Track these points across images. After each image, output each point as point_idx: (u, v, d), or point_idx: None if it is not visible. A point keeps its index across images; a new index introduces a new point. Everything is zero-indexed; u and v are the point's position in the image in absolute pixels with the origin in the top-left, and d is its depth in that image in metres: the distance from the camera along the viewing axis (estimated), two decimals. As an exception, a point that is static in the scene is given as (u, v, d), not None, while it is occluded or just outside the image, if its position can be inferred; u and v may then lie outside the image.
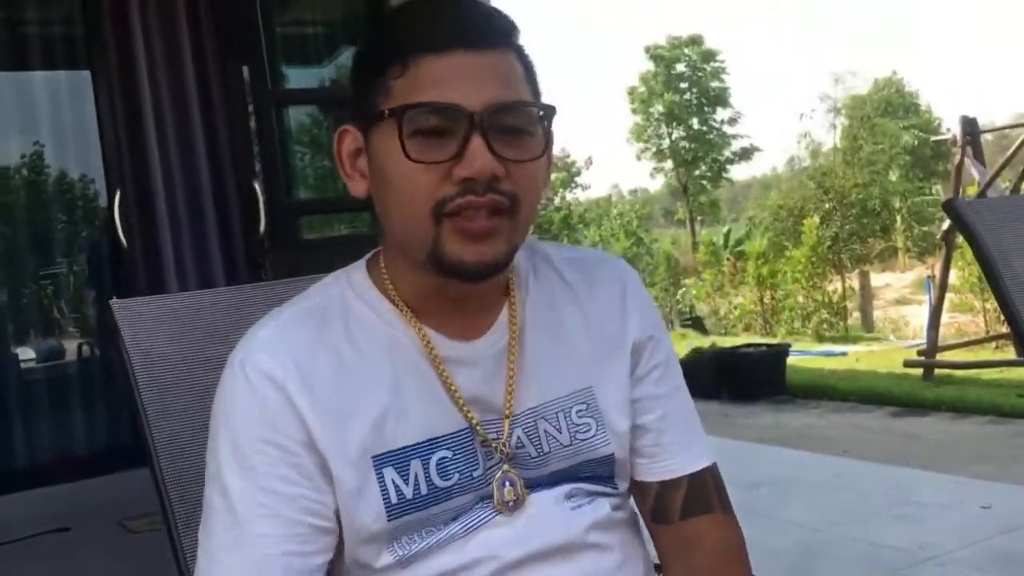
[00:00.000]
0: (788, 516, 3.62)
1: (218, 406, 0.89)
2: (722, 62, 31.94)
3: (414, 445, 0.88)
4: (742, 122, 32.46)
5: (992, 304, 9.43)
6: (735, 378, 7.08)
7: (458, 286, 0.88)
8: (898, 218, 22.38)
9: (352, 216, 4.57)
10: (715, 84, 31.83)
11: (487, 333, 0.93)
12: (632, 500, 1.02)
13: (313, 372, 0.87)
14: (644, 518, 1.01)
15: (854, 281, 14.17)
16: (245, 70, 3.91)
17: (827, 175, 21.59)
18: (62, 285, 4.99)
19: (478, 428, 0.90)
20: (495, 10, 0.90)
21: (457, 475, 0.89)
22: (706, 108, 31.68)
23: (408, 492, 0.87)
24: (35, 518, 3.44)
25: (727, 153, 31.68)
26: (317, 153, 5.05)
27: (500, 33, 0.88)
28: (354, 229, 4.62)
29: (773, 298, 12.90)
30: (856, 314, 13.38)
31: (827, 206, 18.87)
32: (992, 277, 1.47)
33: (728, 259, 16.77)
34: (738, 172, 33.72)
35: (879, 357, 8.86)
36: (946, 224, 7.03)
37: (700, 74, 31.71)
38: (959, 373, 7.03)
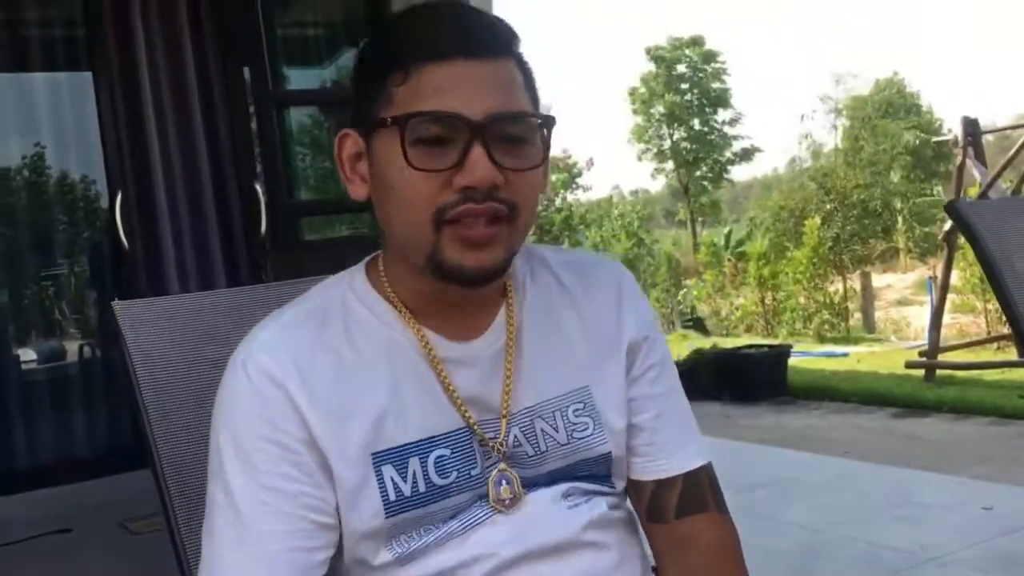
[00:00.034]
0: (789, 517, 3.62)
1: (219, 406, 0.90)
2: (723, 63, 31.96)
3: (412, 443, 0.89)
4: (743, 123, 32.48)
5: (994, 305, 9.43)
6: (736, 379, 7.08)
7: (457, 290, 0.90)
8: (899, 219, 22.36)
9: (353, 217, 4.57)
10: (716, 85, 31.83)
11: (485, 334, 0.94)
12: (629, 500, 1.03)
13: (313, 372, 0.88)
14: (640, 517, 1.02)
15: (855, 282, 14.16)
16: (246, 71, 3.91)
17: (828, 176, 21.59)
18: (63, 286, 5.00)
19: (476, 427, 0.92)
20: (496, 18, 0.91)
21: (455, 473, 0.90)
22: (707, 109, 31.68)
23: (406, 490, 0.88)
24: (36, 519, 3.44)
25: (728, 154, 31.69)
26: (318, 154, 5.05)
27: (501, 42, 0.89)
28: (355, 230, 4.62)
29: (774, 299, 12.89)
30: (857, 315, 13.37)
31: (828, 207, 18.88)
32: (994, 278, 1.47)
33: (729, 260, 16.76)
34: (739, 173, 33.73)
35: (880, 358, 8.85)
36: (948, 225, 7.03)
37: (701, 75, 31.71)
38: (961, 374, 7.02)
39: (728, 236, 18.96)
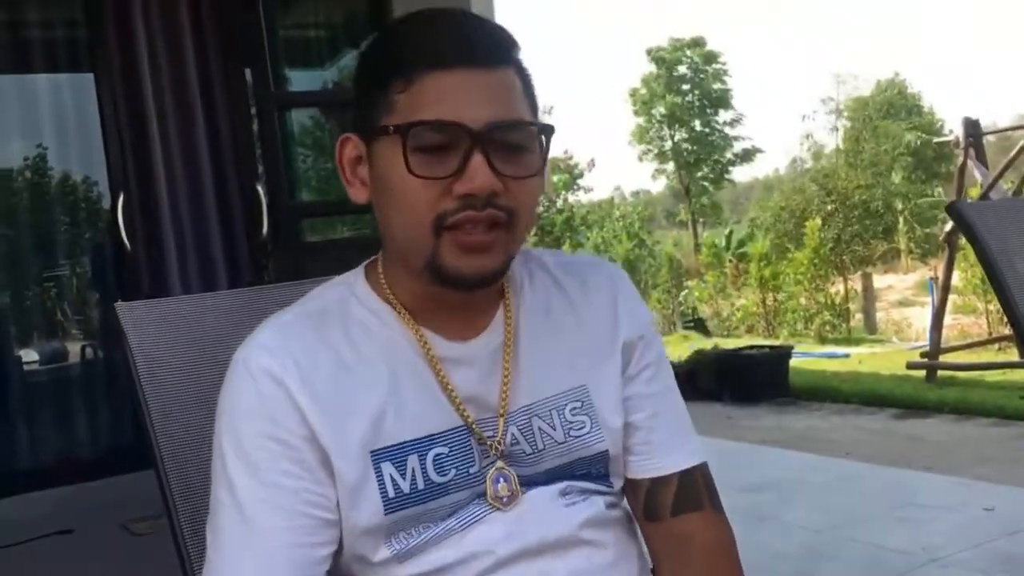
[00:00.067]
0: (791, 518, 3.62)
1: (221, 405, 0.91)
2: (724, 64, 31.98)
3: (411, 441, 0.91)
4: (744, 124, 32.47)
5: (995, 306, 9.42)
6: (738, 380, 7.08)
7: (455, 293, 0.91)
8: (900, 220, 22.35)
9: (355, 218, 4.57)
10: (717, 86, 31.84)
11: (483, 334, 0.96)
12: (626, 500, 1.04)
13: (313, 371, 0.90)
14: (636, 517, 1.02)
15: (857, 283, 14.14)
16: (248, 73, 3.92)
17: (829, 177, 21.59)
18: (65, 287, 5.00)
19: (474, 426, 0.93)
20: (497, 26, 0.93)
21: (453, 471, 0.91)
22: (708, 110, 31.70)
23: (405, 487, 0.89)
24: (38, 520, 3.45)
25: (729, 155, 31.70)
26: (320, 155, 5.06)
27: (502, 50, 0.90)
28: (357, 231, 4.62)
29: (775, 300, 12.88)
30: (859, 316, 13.36)
31: (829, 207, 18.87)
32: (995, 279, 1.47)
33: (730, 261, 16.75)
34: (740, 174, 33.75)
35: (882, 359, 8.85)
36: (949, 226, 7.03)
37: (702, 76, 31.73)
38: (962, 375, 7.02)
39: (729, 237, 18.95)
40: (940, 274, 7.96)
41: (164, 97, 3.72)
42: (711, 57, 31.74)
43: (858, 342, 11.25)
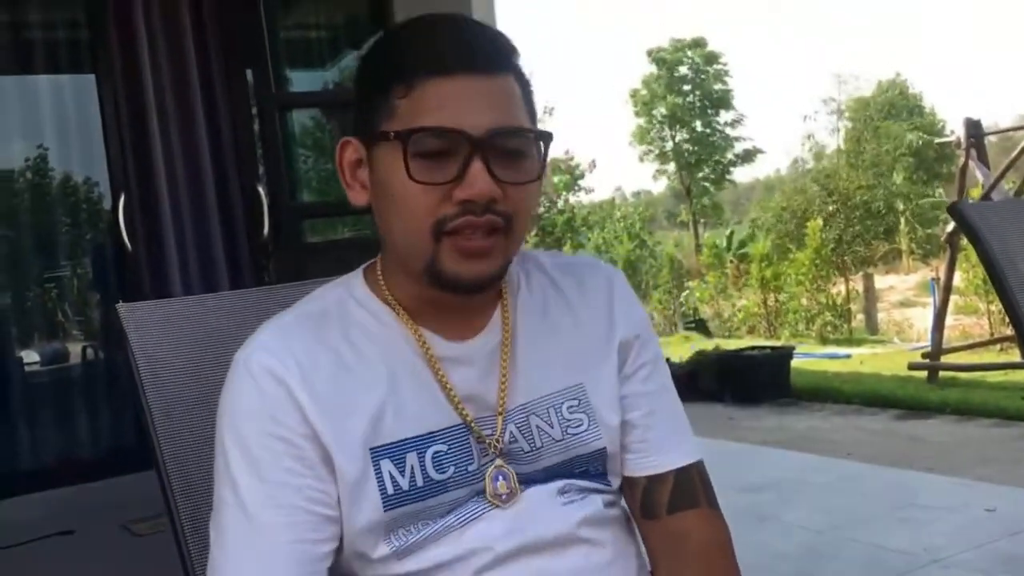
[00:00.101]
0: (792, 519, 3.62)
1: (223, 405, 0.92)
2: (724, 64, 32.00)
3: (410, 439, 0.92)
4: (745, 124, 32.48)
5: (997, 306, 9.42)
6: (739, 381, 7.07)
7: (454, 296, 0.92)
8: (902, 220, 22.34)
9: (356, 219, 4.58)
10: (718, 86, 31.85)
11: (480, 333, 0.97)
12: (624, 500, 1.05)
13: (313, 370, 0.91)
14: (633, 515, 1.03)
15: (858, 283, 14.14)
16: (249, 73, 3.92)
17: (831, 177, 21.58)
18: (66, 288, 5.00)
19: (473, 425, 0.94)
20: (497, 33, 0.93)
21: (452, 468, 0.92)
22: (709, 110, 31.70)
23: (404, 484, 0.90)
24: (39, 521, 3.45)
25: (730, 155, 31.70)
26: (321, 156, 5.06)
27: (503, 57, 0.91)
28: (358, 232, 4.63)
29: (777, 300, 12.89)
30: (860, 316, 13.35)
31: (831, 208, 18.86)
32: (997, 280, 1.47)
33: (731, 261, 16.76)
34: (741, 174, 33.77)
35: (883, 359, 8.85)
36: (950, 226, 7.03)
37: (703, 76, 31.74)
38: (964, 375, 7.02)
39: (730, 238, 18.95)
40: (942, 275, 7.96)
41: (165, 97, 3.72)
42: (712, 58, 31.75)
43: (859, 343, 11.25)
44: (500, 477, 0.94)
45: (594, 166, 26.35)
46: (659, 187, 38.67)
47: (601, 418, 0.98)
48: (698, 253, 21.34)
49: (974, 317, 10.56)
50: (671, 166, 32.06)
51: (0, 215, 4.82)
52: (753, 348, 8.20)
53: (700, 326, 13.87)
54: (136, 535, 3.35)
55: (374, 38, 0.96)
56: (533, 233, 19.94)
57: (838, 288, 13.22)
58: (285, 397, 0.89)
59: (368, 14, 4.46)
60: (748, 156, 31.94)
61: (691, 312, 15.02)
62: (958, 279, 8.63)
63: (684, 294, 15.77)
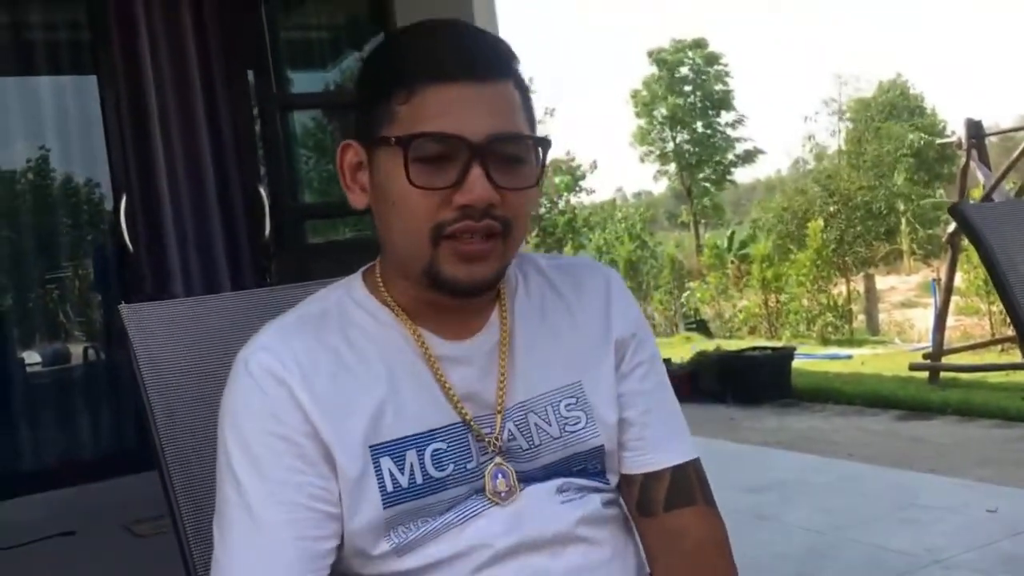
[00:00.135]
0: (793, 519, 3.61)
1: (225, 405, 0.93)
2: (725, 65, 32.00)
3: (410, 437, 0.93)
4: (745, 125, 32.48)
5: (998, 307, 9.41)
6: (740, 381, 7.07)
7: (452, 299, 0.94)
8: (903, 221, 22.34)
9: (357, 220, 4.58)
10: (719, 87, 31.85)
11: (479, 333, 0.98)
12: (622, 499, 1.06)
13: (313, 370, 0.92)
14: (631, 513, 1.04)
15: (859, 284, 14.15)
16: (250, 74, 3.92)
17: (832, 178, 21.56)
18: (68, 289, 5.01)
19: (472, 423, 0.95)
20: (498, 39, 0.95)
21: (452, 466, 0.93)
22: (710, 111, 31.70)
23: (404, 481, 0.91)
24: (40, 522, 3.45)
25: (730, 156, 31.70)
26: (322, 157, 5.06)
27: (503, 64, 0.92)
28: (359, 233, 4.63)
29: (778, 301, 12.89)
30: (861, 317, 13.35)
31: (832, 209, 18.85)
32: (998, 280, 1.47)
33: (732, 262, 16.76)
34: (742, 175, 33.77)
35: (884, 360, 8.85)
36: (951, 227, 7.03)
37: (704, 77, 31.75)
38: (965, 376, 7.01)
39: (731, 238, 18.95)
40: (943, 275, 7.95)
41: (166, 98, 3.72)
42: (713, 58, 31.76)
43: (861, 343, 11.25)
44: (499, 475, 0.95)
45: (595, 167, 26.44)
46: (660, 188, 38.70)
47: (599, 416, 0.99)
48: (699, 254, 21.34)
49: (975, 318, 10.55)
50: (672, 167, 32.07)
51: (2, 216, 4.82)
52: (754, 349, 8.19)
53: (701, 327, 13.87)
54: (138, 536, 3.35)
55: (376, 43, 0.97)
56: (534, 234, 19.94)
57: (839, 289, 13.22)
58: (286, 396, 0.90)
59: (369, 15, 4.47)
60: (749, 157, 31.96)
61: (692, 313, 15.03)
62: (959, 280, 8.63)
63: (685, 295, 15.77)
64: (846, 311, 12.68)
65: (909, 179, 25.75)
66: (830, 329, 12.00)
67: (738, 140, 31.88)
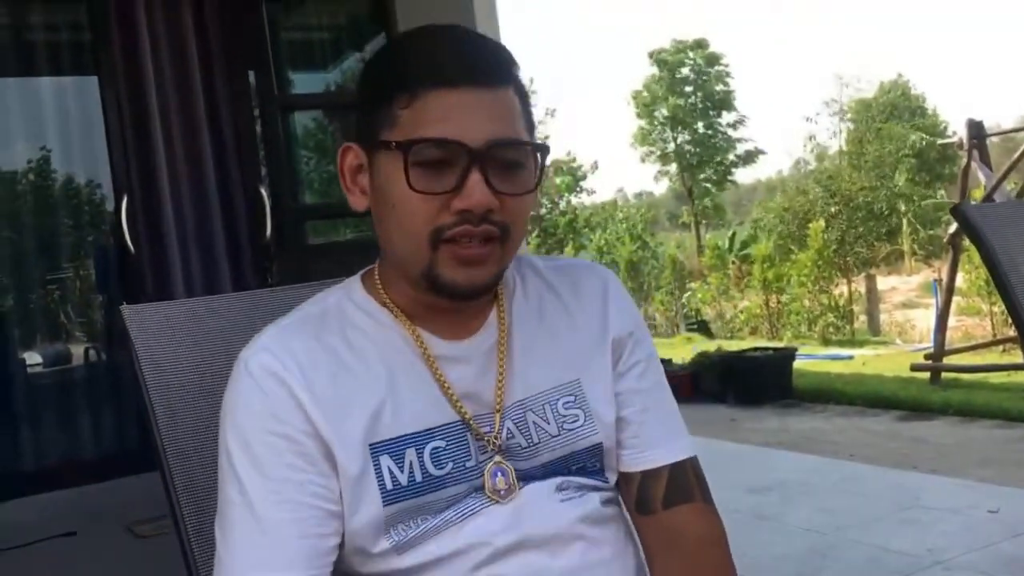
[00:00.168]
0: (795, 520, 3.61)
1: (225, 406, 0.94)
2: (726, 65, 32.00)
3: (409, 435, 0.93)
4: (746, 125, 32.47)
5: (999, 307, 9.41)
6: (741, 382, 7.07)
7: (450, 302, 0.95)
8: (904, 221, 22.33)
9: (357, 221, 4.58)
10: (720, 87, 31.85)
11: (477, 333, 0.99)
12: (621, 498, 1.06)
13: (313, 371, 0.93)
14: (630, 512, 1.04)
15: (860, 284, 14.14)
16: (251, 75, 3.93)
17: (833, 178, 21.56)
18: (69, 290, 5.01)
19: (471, 422, 0.95)
20: (499, 45, 0.96)
21: (451, 464, 0.94)
22: (711, 112, 31.70)
23: (403, 479, 0.92)
24: (41, 522, 3.45)
25: (731, 156, 31.69)
26: (323, 158, 5.06)
27: (504, 70, 0.93)
28: (360, 233, 4.63)
29: (779, 302, 12.88)
30: (862, 318, 13.35)
31: (833, 209, 18.85)
32: (999, 281, 1.47)
33: (733, 263, 16.75)
34: (743, 175, 33.77)
35: (886, 361, 8.84)
36: (953, 227, 7.02)
37: (704, 78, 31.74)
38: (966, 377, 7.00)
39: (732, 239, 18.94)
40: (944, 276, 7.94)
41: (167, 99, 3.72)
42: (714, 59, 31.75)
43: (862, 344, 11.25)
44: (499, 473, 0.95)
45: (596, 167, 26.46)
46: (661, 188, 38.72)
47: (597, 414, 1.00)
48: (700, 254, 21.33)
49: (976, 318, 10.55)
50: (673, 167, 32.06)
51: (3, 217, 4.82)
52: (755, 349, 8.19)
53: (702, 327, 13.87)
54: (139, 536, 3.35)
55: (377, 45, 0.98)
56: (534, 234, 19.95)
57: (840, 289, 13.22)
58: (286, 396, 0.91)
59: (370, 15, 4.47)
60: (750, 157, 31.95)
61: (693, 313, 15.03)
62: (960, 280, 8.63)
63: (686, 295, 15.76)
64: (847, 312, 12.67)
65: (910, 180, 25.73)
66: (831, 330, 12.00)
67: (739, 141, 31.90)
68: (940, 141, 21.45)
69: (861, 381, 7.42)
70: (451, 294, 0.93)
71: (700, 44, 31.65)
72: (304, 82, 5.01)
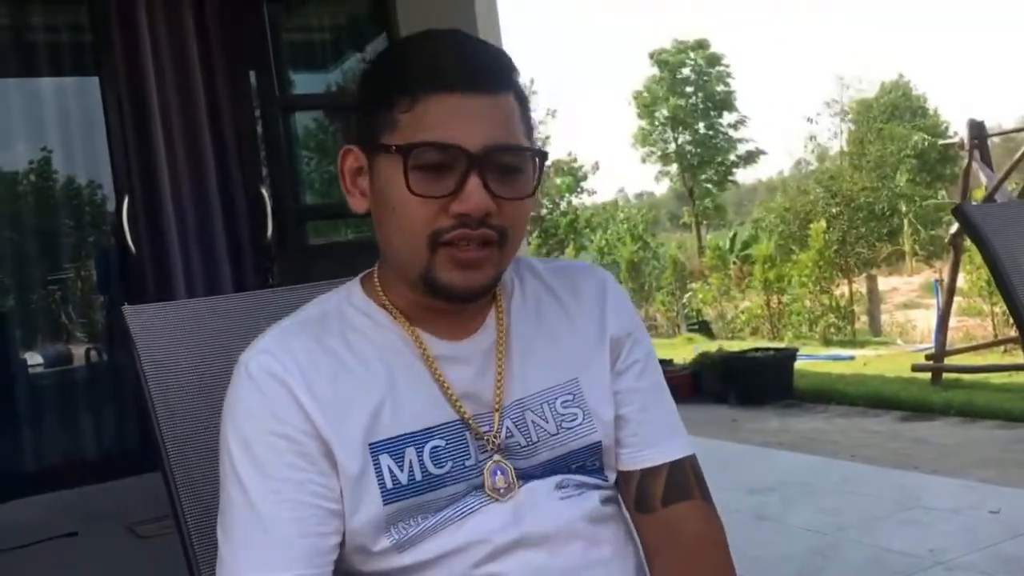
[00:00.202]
0: (796, 520, 3.61)
1: (226, 407, 0.95)
2: (727, 66, 31.99)
3: (408, 434, 0.94)
4: (747, 125, 32.46)
5: (1000, 308, 9.41)
6: (742, 382, 7.07)
7: (447, 304, 0.96)
8: (905, 222, 22.32)
9: (358, 221, 4.58)
10: (720, 88, 31.84)
11: (476, 333, 1.00)
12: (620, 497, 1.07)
13: (313, 372, 0.93)
14: (629, 511, 1.05)
15: (861, 285, 14.14)
16: (252, 75, 3.93)
17: (834, 179, 21.55)
18: (70, 290, 5.01)
19: (470, 422, 0.96)
20: (499, 51, 0.97)
21: (450, 463, 0.95)
22: (711, 112, 31.69)
23: (403, 478, 0.93)
24: (43, 523, 3.45)
25: (732, 157, 31.68)
26: (324, 158, 5.06)
27: (504, 76, 0.94)
28: (361, 234, 4.63)
29: (780, 302, 12.88)
30: (864, 318, 13.35)
31: (834, 210, 18.84)
32: (1001, 281, 1.47)
33: (734, 263, 16.75)
34: (743, 176, 33.75)
35: (887, 361, 8.84)
36: (954, 228, 7.02)
37: (705, 78, 31.73)
38: (967, 377, 7.00)
39: (733, 239, 18.94)
40: (945, 276, 7.94)
41: (168, 100, 3.72)
42: (714, 59, 31.75)
43: (863, 344, 11.25)
44: (498, 472, 0.96)
45: (596, 168, 26.45)
46: (662, 189, 38.71)
47: (595, 412, 1.01)
48: (701, 255, 21.31)
49: (978, 319, 10.54)
50: (674, 168, 32.05)
51: (4, 217, 4.83)
52: (756, 350, 8.19)
53: (703, 328, 13.86)
54: (141, 537, 3.35)
55: (379, 47, 0.99)
56: (535, 235, 19.95)
57: (841, 290, 13.21)
58: (286, 396, 0.92)
59: (370, 16, 4.47)
60: (751, 158, 31.93)
61: (694, 314, 15.01)
62: (962, 281, 8.63)
63: (687, 296, 15.75)
64: (848, 312, 12.67)
65: (911, 180, 25.71)
66: (832, 330, 12.00)
67: (740, 141, 31.88)
68: (941, 141, 21.46)
69: (862, 382, 7.42)
70: (448, 296, 0.94)
71: (701, 44, 31.65)
72: (305, 82, 5.01)
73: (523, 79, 0.98)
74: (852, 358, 9.46)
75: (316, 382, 0.93)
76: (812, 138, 32.39)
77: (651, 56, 32.00)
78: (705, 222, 30.48)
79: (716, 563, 1.02)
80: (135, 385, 1.10)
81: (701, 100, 31.61)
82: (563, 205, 23.14)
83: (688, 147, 31.46)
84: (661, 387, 1.08)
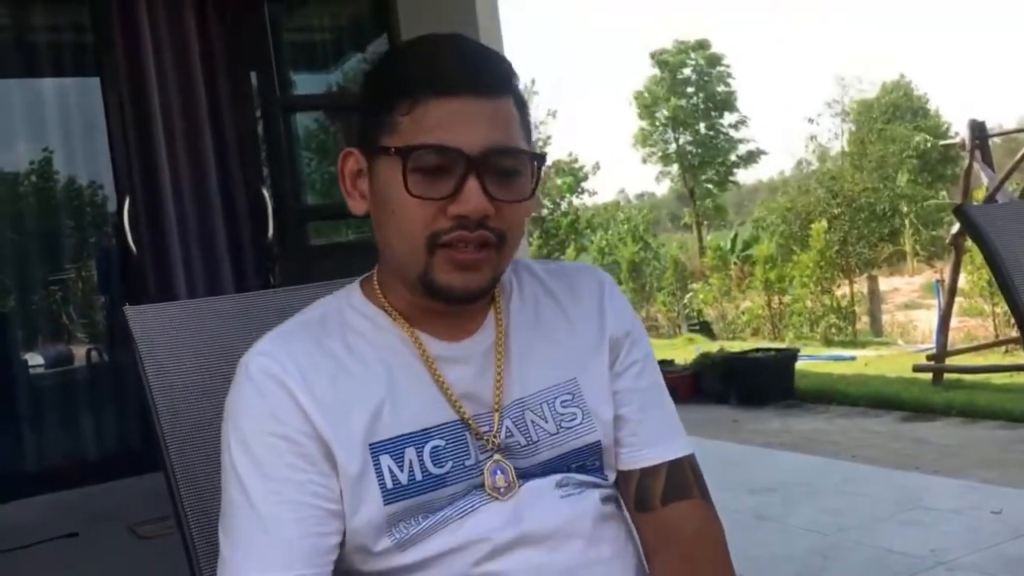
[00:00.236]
0: (797, 521, 3.61)
1: (227, 408, 0.96)
2: (728, 66, 31.99)
3: (408, 434, 0.95)
4: (748, 126, 32.46)
5: (1002, 308, 9.42)
6: (743, 383, 7.07)
7: (446, 305, 0.97)
8: (906, 222, 22.32)
9: (359, 222, 4.58)
10: (721, 88, 31.84)
11: (475, 334, 1.00)
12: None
13: (313, 372, 0.94)
14: (629, 511, 1.05)
15: (862, 285, 14.13)
16: (253, 76, 3.93)
17: (835, 179, 21.55)
18: (71, 291, 5.01)
19: (470, 422, 0.97)
20: (499, 56, 0.98)
21: (450, 463, 0.95)
22: (712, 112, 31.69)
23: (403, 478, 0.93)
24: (44, 524, 3.45)
25: (733, 157, 31.68)
26: (324, 158, 5.06)
27: (504, 80, 0.95)
28: (361, 234, 4.63)
29: (781, 302, 12.88)
30: (865, 318, 13.34)
31: (835, 210, 18.84)
32: (1002, 281, 1.47)
33: (735, 263, 16.75)
34: (744, 176, 33.75)
35: (888, 361, 8.84)
36: (955, 228, 7.02)
37: (706, 78, 31.74)
38: (969, 378, 7.00)
39: (734, 240, 18.95)
40: (946, 276, 7.94)
41: (170, 100, 3.72)
42: (715, 59, 31.75)
43: (864, 345, 11.24)
44: (498, 471, 0.96)
45: (597, 168, 26.46)
46: (662, 189, 38.69)
47: (595, 412, 1.01)
48: (702, 255, 21.30)
49: (979, 319, 10.54)
50: (674, 168, 32.06)
51: (5, 218, 4.83)
52: (757, 350, 8.18)
53: (704, 328, 13.86)
54: (142, 537, 3.35)
55: (379, 48, 1.00)
56: (536, 235, 19.94)
57: (842, 290, 13.21)
58: (286, 398, 0.92)
59: (371, 17, 4.47)
60: (751, 158, 31.94)
61: (695, 314, 15.01)
62: (963, 281, 8.63)
63: (688, 296, 15.74)
64: (849, 312, 12.66)
65: (912, 180, 25.72)
66: (833, 330, 11.99)
67: (741, 141, 31.89)
68: (942, 142, 21.47)
69: (863, 382, 7.42)
70: (446, 298, 0.94)
71: (702, 45, 31.65)
72: (306, 83, 5.01)
73: (523, 79, 0.99)
74: (853, 358, 9.45)
75: (316, 383, 0.93)
76: (813, 138, 32.43)
77: (652, 56, 32.02)
78: (706, 222, 30.48)
79: (715, 562, 1.02)
80: (136, 385, 1.10)
81: (702, 100, 31.62)
82: (564, 205, 23.15)
83: (689, 147, 31.47)
84: (660, 387, 1.08)
